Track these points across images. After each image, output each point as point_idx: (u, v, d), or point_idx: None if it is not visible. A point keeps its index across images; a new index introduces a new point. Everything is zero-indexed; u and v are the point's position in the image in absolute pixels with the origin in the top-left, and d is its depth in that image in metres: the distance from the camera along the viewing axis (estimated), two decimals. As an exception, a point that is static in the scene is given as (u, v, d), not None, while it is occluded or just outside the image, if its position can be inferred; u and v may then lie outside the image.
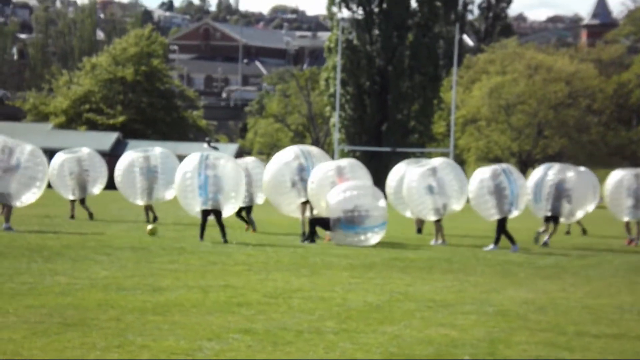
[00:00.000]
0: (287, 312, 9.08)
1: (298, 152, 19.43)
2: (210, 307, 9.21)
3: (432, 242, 18.72)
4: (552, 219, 19.54)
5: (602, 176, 22.35)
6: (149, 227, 18.37)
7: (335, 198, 17.37)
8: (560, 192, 19.46)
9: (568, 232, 23.67)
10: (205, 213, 17.33)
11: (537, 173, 20.13)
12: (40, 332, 7.61)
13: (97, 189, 23.39)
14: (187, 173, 17.57)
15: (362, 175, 19.05)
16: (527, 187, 19.06)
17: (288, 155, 19.46)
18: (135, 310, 8.78)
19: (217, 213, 17.31)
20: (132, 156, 22.87)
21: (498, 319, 9.14)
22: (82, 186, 23.10)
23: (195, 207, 17.47)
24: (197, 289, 10.49)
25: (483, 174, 18.34)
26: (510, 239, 17.77)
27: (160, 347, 7.16)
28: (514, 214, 18.29)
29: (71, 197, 23.10)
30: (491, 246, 17.85)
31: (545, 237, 19.45)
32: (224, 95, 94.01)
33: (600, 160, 50.65)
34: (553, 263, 15.51)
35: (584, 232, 23.67)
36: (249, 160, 22.26)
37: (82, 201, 23.11)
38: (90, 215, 22.54)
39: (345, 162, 19.62)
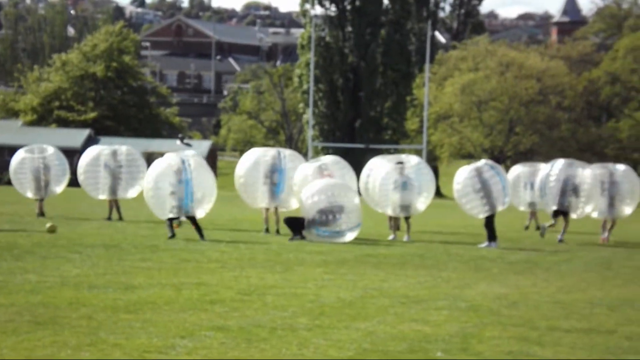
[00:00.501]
0: (260, 309, 9.07)
1: (274, 152, 19.56)
2: (183, 304, 9.16)
3: (405, 239, 18.75)
4: (561, 213, 19.57)
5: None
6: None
7: (310, 199, 17.30)
8: (566, 187, 19.48)
9: (527, 228, 23.72)
10: (173, 219, 17.17)
11: (545, 169, 20.26)
12: (10, 330, 7.52)
13: (59, 187, 23.03)
14: (167, 179, 17.07)
15: (345, 174, 19.34)
16: (509, 180, 19.23)
17: (263, 153, 19.60)
18: (107, 309, 8.71)
19: (193, 217, 17.21)
20: (96, 151, 22.65)
21: (470, 314, 9.19)
22: (47, 184, 22.73)
23: (169, 214, 17.18)
24: (170, 286, 10.44)
25: (469, 172, 18.13)
26: (492, 235, 17.77)
27: (133, 345, 7.12)
28: (504, 206, 18.30)
29: (32, 196, 22.64)
30: (493, 244, 17.66)
31: (559, 235, 19.53)
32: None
33: (571, 156, 50.96)
34: (525, 258, 15.62)
35: (538, 227, 23.66)
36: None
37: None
38: (39, 215, 22.03)
39: (328, 159, 19.90)
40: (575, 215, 19.86)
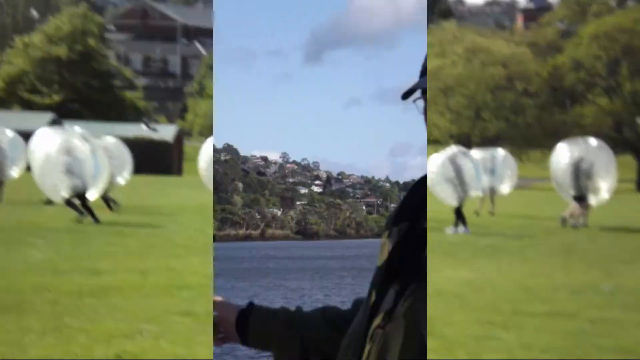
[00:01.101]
0: (227, 293, 9.05)
1: None
2: (150, 290, 9.11)
3: None
4: (578, 199, 19.35)
5: (538, 157, 22.64)
6: None
7: None
8: (579, 171, 19.31)
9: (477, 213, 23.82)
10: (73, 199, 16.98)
11: (555, 156, 20.03)
12: (-26, 316, 7.43)
13: (14, 172, 22.80)
14: (58, 158, 16.86)
15: None
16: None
17: None
18: (72, 293, 8.64)
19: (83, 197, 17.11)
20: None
21: (436, 298, 9.25)
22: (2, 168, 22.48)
23: (64, 194, 16.96)
24: (136, 271, 10.37)
25: (442, 159, 18.04)
26: (463, 221, 17.85)
27: (98, 330, 7.07)
28: (477, 192, 18.36)
29: None
30: (462, 229, 17.65)
31: (580, 219, 19.26)
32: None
33: (536, 141, 51.58)
34: (490, 244, 15.76)
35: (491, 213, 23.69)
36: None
37: None
38: None
39: None
40: (595, 200, 19.45)
